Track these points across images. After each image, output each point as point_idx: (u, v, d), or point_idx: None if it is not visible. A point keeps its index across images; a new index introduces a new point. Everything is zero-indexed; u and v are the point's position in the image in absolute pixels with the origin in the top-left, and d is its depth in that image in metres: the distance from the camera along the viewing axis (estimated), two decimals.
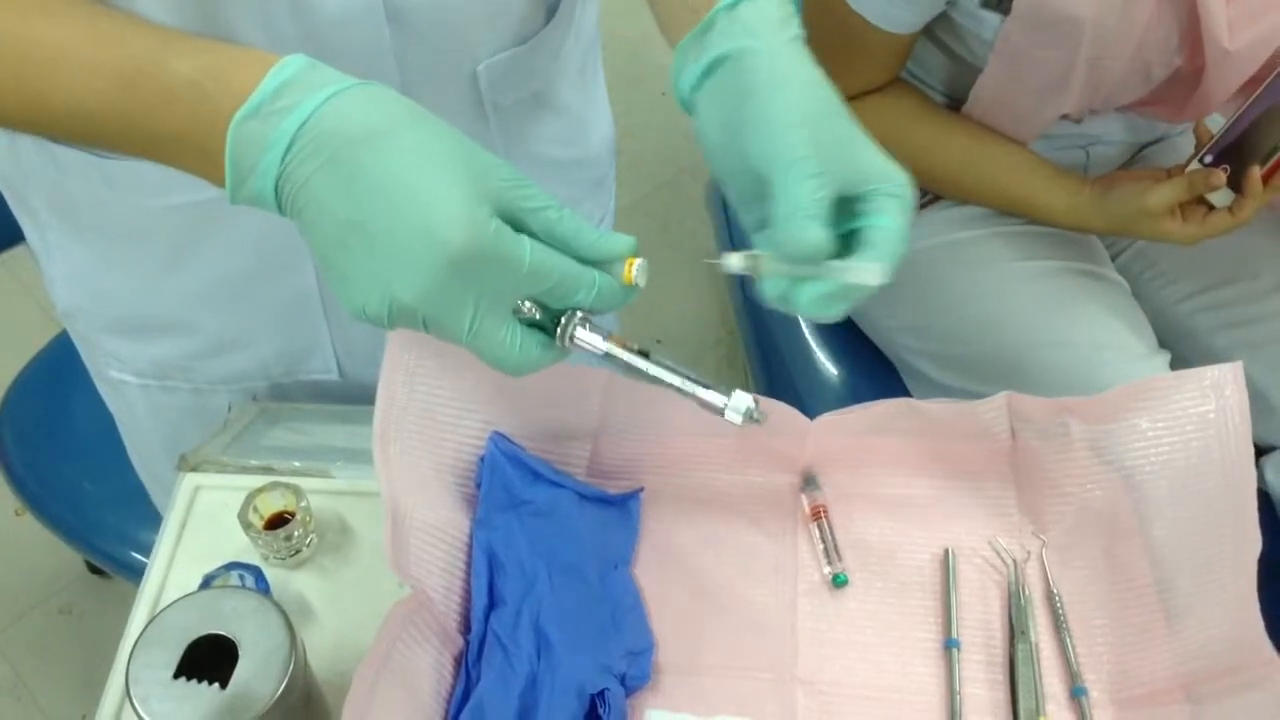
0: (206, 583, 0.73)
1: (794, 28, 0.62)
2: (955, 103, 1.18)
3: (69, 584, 1.75)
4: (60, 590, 1.75)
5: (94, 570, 1.74)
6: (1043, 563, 0.77)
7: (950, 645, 0.73)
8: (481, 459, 0.76)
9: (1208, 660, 0.69)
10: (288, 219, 0.54)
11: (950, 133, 1.17)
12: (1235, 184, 1.05)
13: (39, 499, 1.34)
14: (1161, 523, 0.74)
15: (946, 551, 0.77)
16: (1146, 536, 0.74)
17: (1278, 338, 1.18)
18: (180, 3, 0.64)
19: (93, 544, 1.32)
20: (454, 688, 0.69)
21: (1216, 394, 0.73)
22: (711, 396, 0.61)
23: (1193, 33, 1.03)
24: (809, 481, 0.80)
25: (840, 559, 0.77)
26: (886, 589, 0.76)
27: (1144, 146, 1.29)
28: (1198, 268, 1.24)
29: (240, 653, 0.63)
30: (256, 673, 0.62)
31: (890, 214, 0.59)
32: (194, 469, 0.83)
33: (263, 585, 0.74)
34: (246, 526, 0.75)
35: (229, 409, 0.90)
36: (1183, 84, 1.10)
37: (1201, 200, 1.08)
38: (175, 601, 0.65)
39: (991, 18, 1.04)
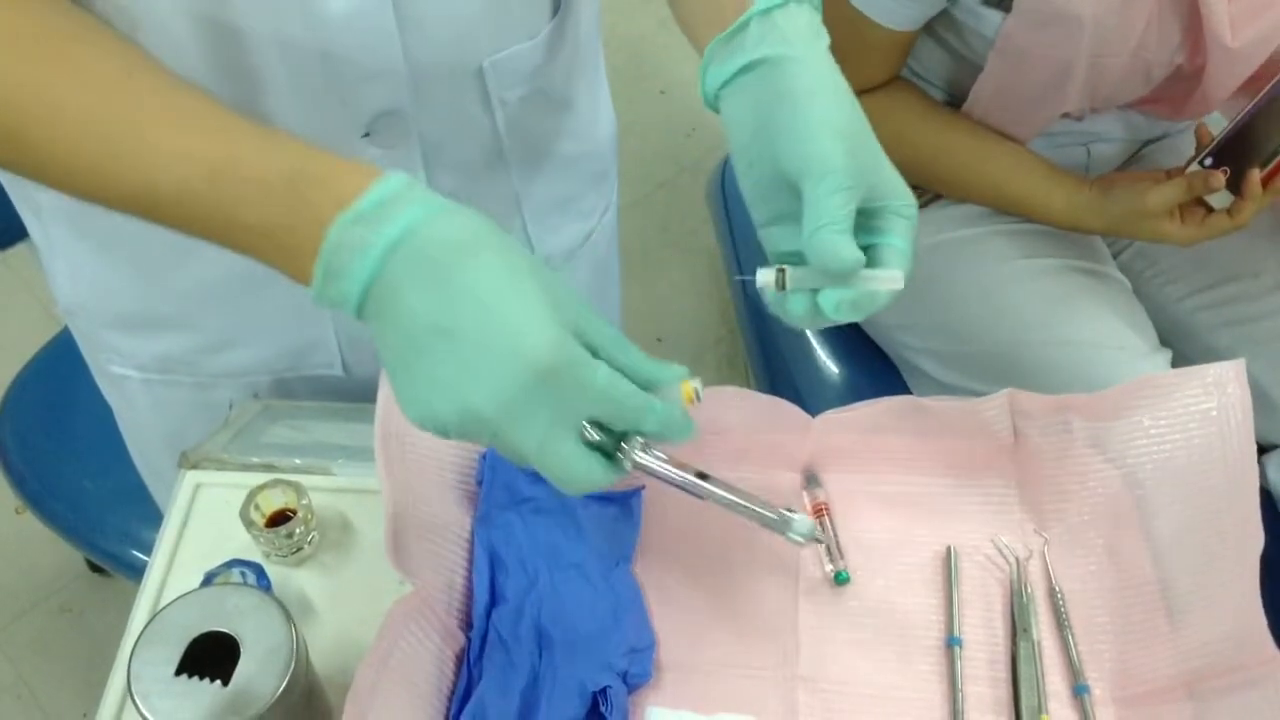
0: (208, 580, 0.73)
1: (825, 37, 0.65)
2: (956, 101, 1.18)
3: (69, 582, 1.75)
4: (61, 588, 1.75)
5: (94, 568, 1.74)
6: (1045, 560, 0.77)
7: (952, 643, 0.73)
8: (483, 456, 0.76)
9: (1210, 658, 0.68)
10: (360, 320, 0.55)
11: (950, 131, 1.17)
12: (1235, 187, 1.05)
13: (39, 497, 1.34)
14: (1163, 520, 0.74)
15: (948, 549, 0.77)
16: (1148, 534, 0.74)
17: (1279, 336, 1.18)
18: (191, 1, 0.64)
19: (93, 542, 1.32)
20: (455, 685, 0.69)
21: (1219, 391, 0.73)
22: (773, 518, 0.64)
23: (1194, 30, 1.03)
24: (811, 479, 0.80)
25: (842, 557, 0.77)
26: (888, 587, 0.76)
27: (1145, 144, 1.29)
28: (1199, 266, 1.24)
29: (242, 650, 0.63)
30: (258, 670, 0.62)
31: (901, 235, 0.63)
32: (195, 466, 0.82)
33: (264, 583, 0.74)
34: (248, 524, 0.75)
35: (230, 407, 0.90)
36: (1184, 82, 1.10)
37: (1201, 202, 1.08)
38: (177, 599, 0.65)
39: (993, 15, 1.04)
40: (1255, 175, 1.03)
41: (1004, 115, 1.15)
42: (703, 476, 0.62)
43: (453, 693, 0.69)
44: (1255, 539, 0.68)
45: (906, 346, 1.29)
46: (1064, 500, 0.77)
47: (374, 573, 0.77)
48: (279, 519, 0.77)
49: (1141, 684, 0.71)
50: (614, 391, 0.54)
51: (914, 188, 0.64)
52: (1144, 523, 0.75)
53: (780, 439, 0.79)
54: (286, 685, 0.62)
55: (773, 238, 0.66)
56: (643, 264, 2.09)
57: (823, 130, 0.61)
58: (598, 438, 0.55)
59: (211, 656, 0.63)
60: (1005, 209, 1.20)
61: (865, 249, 0.61)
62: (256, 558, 0.76)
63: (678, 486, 0.62)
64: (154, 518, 0.86)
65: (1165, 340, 1.18)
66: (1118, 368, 1.11)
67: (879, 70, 1.15)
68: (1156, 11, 1.01)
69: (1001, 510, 0.79)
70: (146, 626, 0.63)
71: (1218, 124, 1.10)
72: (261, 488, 0.76)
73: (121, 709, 0.71)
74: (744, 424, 0.79)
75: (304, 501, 0.76)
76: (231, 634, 0.63)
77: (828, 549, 0.77)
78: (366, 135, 0.75)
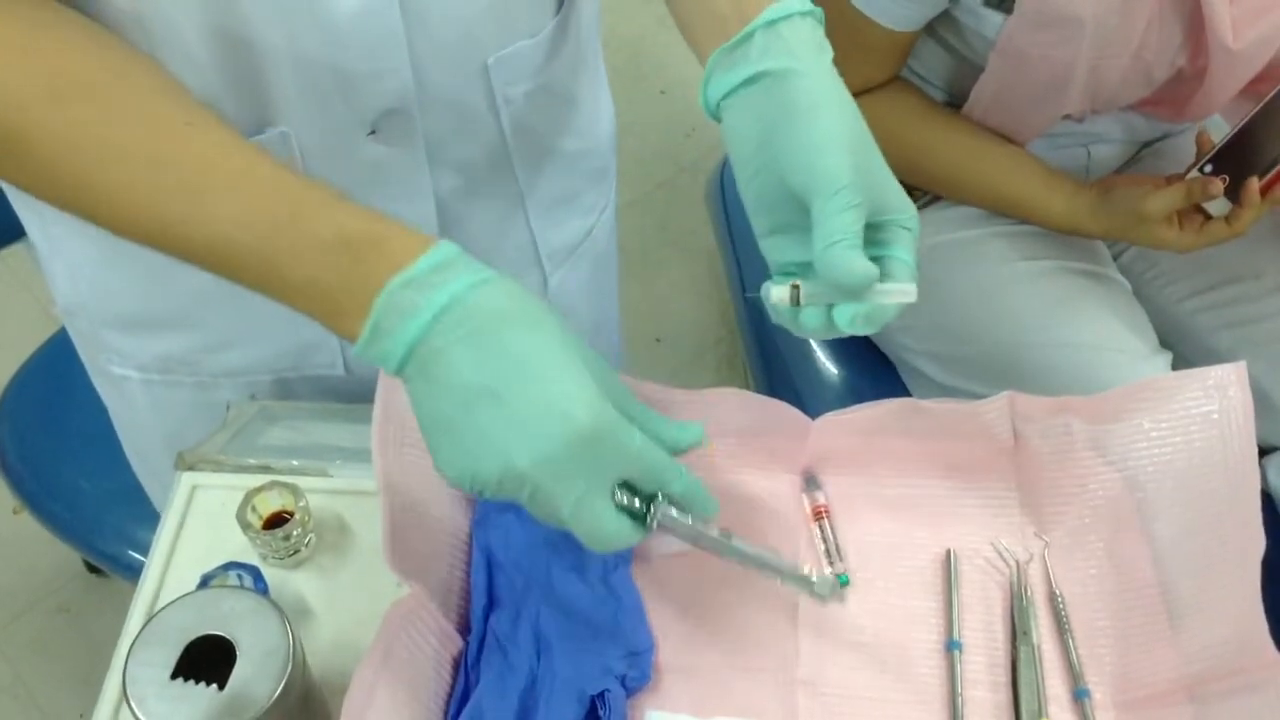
0: (204, 582, 0.73)
1: (829, 51, 0.65)
2: (956, 102, 1.17)
3: (67, 582, 1.75)
4: (58, 589, 1.74)
5: (92, 569, 1.74)
6: (1045, 563, 0.76)
7: (952, 647, 0.73)
8: None
9: (1211, 662, 0.68)
10: (398, 379, 0.58)
11: (949, 132, 1.16)
12: (1234, 195, 1.05)
13: (36, 497, 1.34)
14: (1164, 523, 0.73)
15: (948, 552, 0.77)
16: (1149, 537, 0.74)
17: (1279, 337, 1.18)
18: (203, 3, 0.65)
19: (90, 543, 1.32)
20: (453, 688, 0.69)
21: (1220, 394, 0.73)
22: (797, 575, 0.67)
23: (1195, 32, 1.03)
24: (810, 481, 0.80)
25: (842, 559, 0.76)
26: (888, 590, 0.76)
27: (1145, 146, 1.29)
28: (1199, 267, 1.23)
29: (238, 653, 0.62)
30: (254, 673, 0.62)
31: (906, 248, 0.64)
32: (191, 468, 0.82)
33: (261, 585, 0.73)
34: (245, 526, 0.74)
35: (227, 408, 0.90)
36: (1185, 84, 1.10)
37: (1199, 208, 1.08)
38: (173, 602, 0.64)
39: (994, 16, 1.03)
40: (1254, 184, 1.03)
41: (1004, 116, 1.14)
42: (726, 535, 0.64)
43: (450, 696, 0.68)
44: (1256, 542, 0.68)
45: (906, 348, 1.29)
46: (1064, 503, 0.77)
47: (371, 575, 0.77)
48: (276, 521, 0.76)
49: (1142, 688, 0.70)
50: (647, 454, 0.58)
51: (913, 189, 0.64)
52: (1145, 526, 0.74)
53: (780, 441, 0.79)
54: (283, 688, 0.62)
55: (775, 247, 0.66)
56: (642, 264, 2.09)
57: (830, 146, 0.61)
58: (627, 501, 0.59)
59: (208, 660, 0.62)
60: (1003, 211, 1.20)
61: (871, 261, 0.62)
62: (253, 560, 0.75)
63: (702, 546, 0.64)
64: (151, 518, 0.86)
65: (1165, 342, 1.18)
66: (1118, 370, 1.11)
67: (879, 71, 1.15)
68: (1158, 13, 1.01)
69: (1001, 513, 0.79)
70: (142, 629, 0.63)
71: (1218, 127, 1.10)
72: (258, 490, 0.75)
73: (117, 712, 0.71)
74: (744, 426, 0.78)
75: (301, 503, 0.76)
76: (228, 637, 0.63)
77: (827, 552, 0.77)
78: (372, 133, 0.75)
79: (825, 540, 0.77)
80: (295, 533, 0.75)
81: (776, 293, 0.64)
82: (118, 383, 0.95)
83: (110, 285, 0.86)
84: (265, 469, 0.81)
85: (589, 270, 1.02)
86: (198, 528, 0.80)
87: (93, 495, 1.32)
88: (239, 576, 0.73)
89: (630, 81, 2.23)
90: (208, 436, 0.85)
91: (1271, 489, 1.16)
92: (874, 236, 0.64)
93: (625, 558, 0.76)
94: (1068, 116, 1.16)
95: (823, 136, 0.62)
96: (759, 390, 1.39)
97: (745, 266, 1.48)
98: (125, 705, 0.62)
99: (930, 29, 1.12)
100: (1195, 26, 1.02)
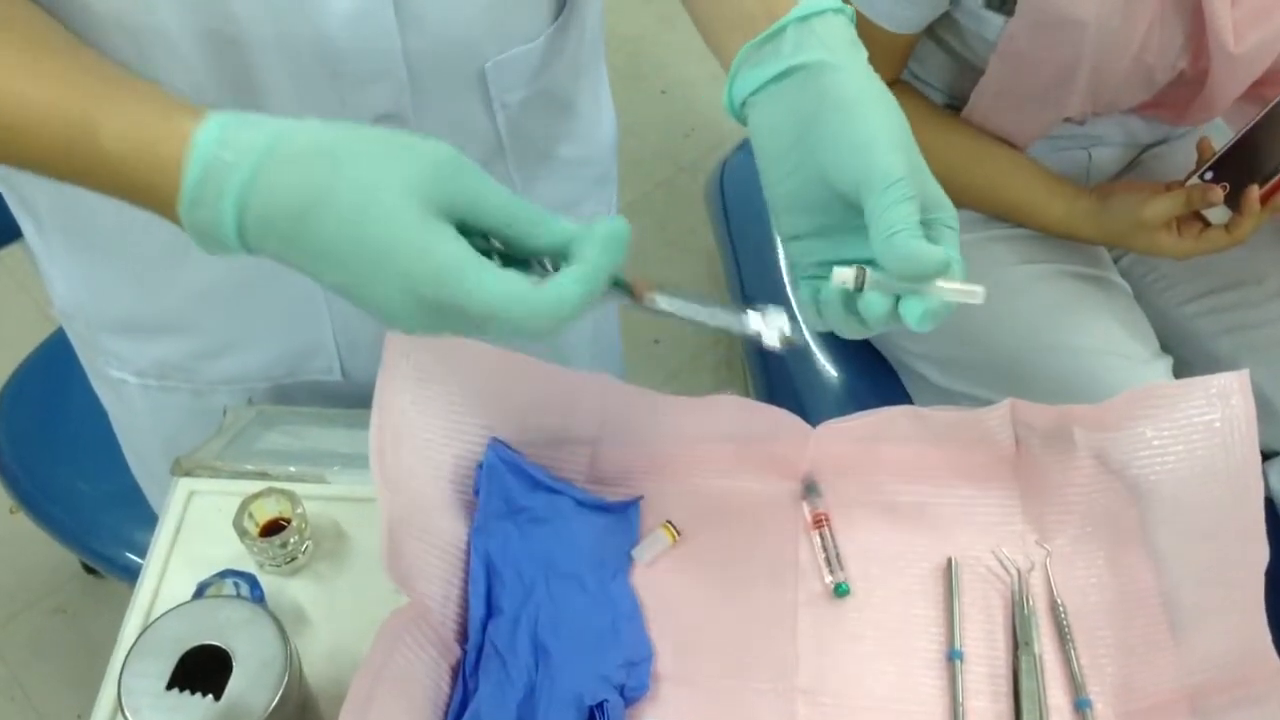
0: (200, 591, 0.72)
1: (864, 50, 0.64)
2: (956, 104, 1.17)
3: (64, 583, 1.74)
4: (55, 589, 1.74)
5: (89, 570, 1.73)
6: (1047, 572, 0.76)
7: (953, 656, 0.72)
8: (480, 465, 0.75)
9: (1213, 672, 0.68)
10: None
11: (949, 135, 1.16)
12: (1234, 203, 1.04)
13: (33, 498, 1.33)
14: (1167, 533, 0.73)
15: (949, 561, 0.77)
16: (1151, 546, 0.74)
17: None
18: (194, 6, 0.64)
19: (86, 544, 1.32)
20: (451, 698, 0.68)
21: (1222, 402, 0.73)
22: (743, 322, 0.60)
23: (1197, 35, 1.03)
24: (810, 489, 0.79)
25: (842, 568, 0.76)
26: (889, 599, 0.76)
27: (1146, 149, 1.28)
28: (1200, 272, 1.23)
29: (234, 663, 0.62)
30: (250, 684, 0.62)
31: (952, 246, 0.61)
32: (188, 474, 0.82)
33: (257, 593, 0.73)
34: (241, 533, 0.74)
35: (224, 413, 0.89)
36: (1186, 87, 1.10)
37: (1198, 216, 1.08)
38: (168, 611, 0.64)
39: (995, 18, 1.03)
40: (1254, 192, 1.03)
41: (1005, 119, 1.14)
42: (662, 291, 0.59)
43: (448, 706, 0.68)
44: (1259, 553, 0.68)
45: (905, 351, 1.28)
46: (1066, 512, 0.77)
47: (369, 583, 0.76)
48: (273, 528, 0.76)
49: (1144, 698, 0.70)
50: (507, 224, 0.56)
51: None
52: (1147, 535, 0.74)
53: (780, 448, 0.78)
54: (279, 699, 0.62)
55: (806, 249, 0.64)
56: (640, 264, 2.07)
57: (882, 140, 0.59)
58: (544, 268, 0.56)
59: (203, 670, 0.62)
60: (1002, 215, 1.20)
61: None
62: (250, 567, 0.75)
63: (632, 302, 0.60)
64: (147, 520, 0.86)
65: (1166, 346, 1.17)
66: (1118, 374, 1.11)
67: (880, 73, 1.14)
68: (1159, 15, 1.01)
69: (1003, 521, 0.78)
70: (138, 639, 0.63)
71: (1219, 131, 1.09)
72: (255, 496, 0.75)
73: None
74: (743, 433, 0.78)
75: (298, 510, 0.75)
76: (224, 647, 0.63)
77: (827, 560, 0.76)
78: None
79: (825, 548, 0.77)
80: (292, 540, 0.75)
81: (840, 274, 0.59)
82: (116, 386, 0.95)
83: (105, 289, 0.85)
84: (262, 475, 0.81)
85: None
86: (194, 534, 0.79)
87: (89, 497, 1.31)
88: (235, 584, 0.73)
89: (630, 81, 2.22)
90: (204, 442, 0.85)
91: (1273, 494, 1.15)
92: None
93: (624, 566, 0.76)
94: (1068, 119, 1.15)
95: (872, 130, 0.59)
96: (758, 392, 1.40)
97: (744, 267, 1.48)
98: (120, 716, 0.61)
99: (930, 31, 1.12)
100: (1196, 29, 1.02)
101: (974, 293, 0.60)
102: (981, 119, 1.15)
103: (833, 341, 1.36)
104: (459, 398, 0.75)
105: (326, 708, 0.69)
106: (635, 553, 0.77)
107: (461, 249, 0.54)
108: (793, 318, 0.61)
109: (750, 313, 0.60)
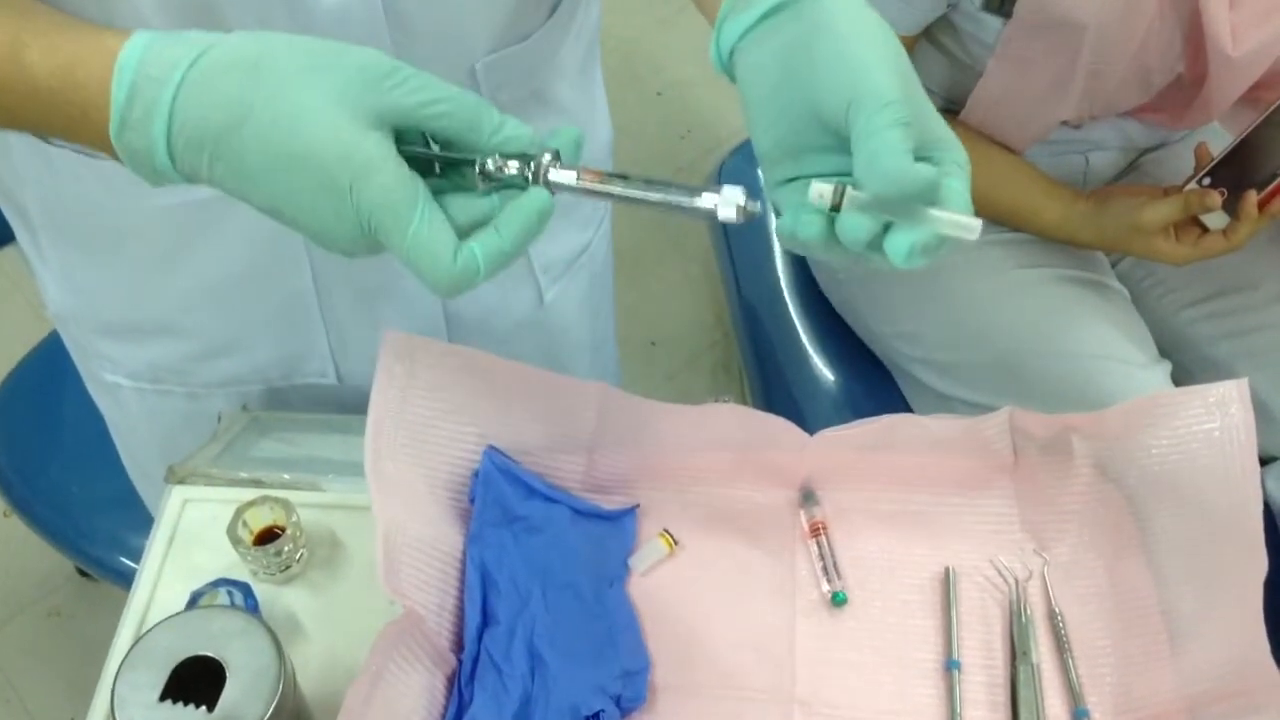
0: (194, 600, 0.72)
1: None
2: (954, 107, 1.17)
3: (58, 586, 1.74)
4: (49, 593, 1.74)
5: (83, 573, 1.73)
6: (1045, 582, 0.76)
7: (951, 666, 0.72)
8: (475, 473, 0.75)
9: (1212, 682, 0.68)
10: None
11: None
12: (1232, 209, 1.04)
13: (26, 502, 1.33)
14: (1166, 542, 0.73)
15: (947, 570, 0.76)
16: (1150, 555, 0.73)
17: (1278, 347, 1.17)
18: (179, 2, 0.64)
19: (80, 548, 1.31)
20: (446, 709, 0.68)
21: (1221, 411, 0.72)
22: (697, 200, 0.55)
23: (1195, 39, 1.03)
24: (808, 497, 0.79)
25: (839, 577, 0.76)
26: (886, 608, 0.75)
27: (1144, 153, 1.28)
28: (1198, 277, 1.23)
29: (228, 674, 0.62)
30: (244, 694, 0.61)
31: (961, 179, 0.55)
32: (182, 481, 0.81)
33: (251, 602, 0.72)
34: (235, 542, 0.73)
35: (219, 419, 0.89)
36: (1184, 91, 1.10)
37: (1196, 221, 1.07)
38: (161, 622, 0.64)
39: (992, 21, 1.03)
40: (1252, 198, 1.03)
41: (1002, 122, 1.14)
42: (620, 178, 0.56)
43: (444, 716, 0.68)
44: (1259, 563, 0.68)
45: (902, 354, 1.28)
46: (1064, 521, 0.76)
47: (364, 591, 0.76)
48: (267, 536, 0.75)
49: (1142, 708, 0.70)
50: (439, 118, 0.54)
51: None
52: (1145, 544, 0.74)
53: (777, 456, 0.78)
54: (273, 710, 0.61)
55: (799, 194, 0.57)
56: (637, 266, 2.08)
57: (874, 61, 0.54)
58: (506, 172, 0.55)
59: (197, 681, 0.62)
60: (999, 219, 1.19)
61: None
62: (244, 576, 0.75)
63: (595, 195, 0.57)
64: (141, 524, 0.85)
65: (1164, 351, 1.17)
66: (1116, 379, 1.10)
67: None
68: (1158, 18, 1.00)
69: (1001, 530, 0.78)
70: (130, 650, 0.62)
71: (1217, 136, 1.09)
72: (249, 504, 0.75)
73: None
74: (741, 441, 0.78)
75: (293, 519, 0.75)
76: (217, 658, 0.62)
77: (825, 569, 0.76)
78: None
79: (823, 557, 0.76)
80: (286, 548, 0.74)
81: (816, 187, 0.54)
82: (110, 389, 0.95)
83: (98, 292, 0.85)
84: (256, 483, 0.80)
85: (586, 284, 1.01)
86: (188, 542, 0.79)
87: (83, 500, 1.31)
88: (229, 593, 0.72)
89: (626, 83, 2.21)
90: (198, 449, 0.84)
91: (1271, 500, 1.15)
92: None
93: (620, 575, 0.76)
94: (1066, 123, 1.15)
95: (864, 52, 0.54)
96: (754, 395, 1.39)
97: (741, 269, 1.48)
98: None
99: (928, 34, 1.12)
100: (1195, 32, 1.02)
101: (969, 226, 0.52)
102: (979, 122, 1.14)
103: (828, 343, 1.35)
104: (454, 405, 0.74)
105: (321, 719, 0.69)
106: (632, 561, 0.76)
107: (390, 167, 0.52)
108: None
109: (705, 193, 0.55)
